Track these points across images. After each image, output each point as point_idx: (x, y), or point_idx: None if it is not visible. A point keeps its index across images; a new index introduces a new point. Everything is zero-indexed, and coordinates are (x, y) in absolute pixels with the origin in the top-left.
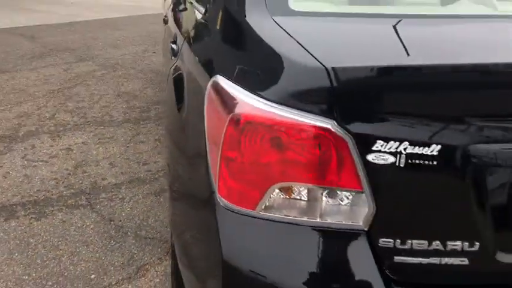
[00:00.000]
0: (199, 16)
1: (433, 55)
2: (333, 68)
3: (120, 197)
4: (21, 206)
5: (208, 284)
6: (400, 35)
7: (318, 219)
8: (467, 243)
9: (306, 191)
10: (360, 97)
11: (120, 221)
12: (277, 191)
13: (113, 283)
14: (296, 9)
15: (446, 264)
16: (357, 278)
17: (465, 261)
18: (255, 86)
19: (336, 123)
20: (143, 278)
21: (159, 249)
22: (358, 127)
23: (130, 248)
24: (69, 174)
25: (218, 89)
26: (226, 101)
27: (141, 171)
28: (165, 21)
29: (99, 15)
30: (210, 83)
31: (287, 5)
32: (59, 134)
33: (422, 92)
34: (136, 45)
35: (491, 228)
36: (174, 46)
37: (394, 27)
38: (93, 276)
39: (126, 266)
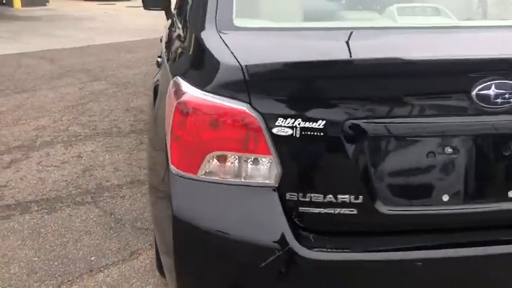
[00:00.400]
0: (176, 34)
1: (323, 54)
2: (246, 66)
3: (121, 195)
4: (34, 203)
5: (166, 235)
6: (307, 43)
7: (243, 180)
8: (353, 197)
9: (232, 158)
10: (265, 86)
11: (120, 214)
12: (212, 159)
13: (110, 264)
14: (238, 25)
15: (339, 214)
16: (272, 223)
17: (354, 211)
18: (197, 82)
19: (249, 106)
20: (135, 260)
21: (152, 238)
22: (265, 108)
23: (127, 236)
24: (78, 177)
25: (174, 86)
26: (177, 93)
27: (141, 174)
28: (160, 40)
29: (115, 38)
30: (171, 82)
31: (232, 23)
32: (71, 143)
33: (309, 81)
34: (147, 66)
35: (370, 184)
36: (159, 59)
37: (306, 38)
38: (93, 258)
39: (122, 250)
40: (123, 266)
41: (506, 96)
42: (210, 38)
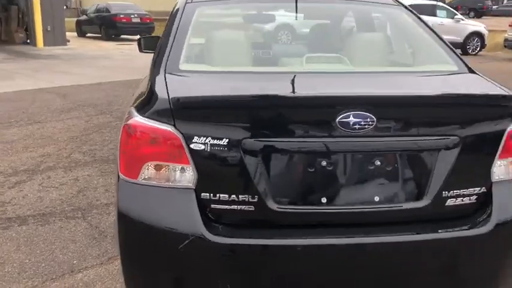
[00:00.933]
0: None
1: (231, 90)
2: (172, 98)
3: (107, 212)
4: (32, 217)
5: (115, 230)
6: (224, 82)
7: (171, 183)
8: (250, 197)
9: (163, 167)
10: (185, 113)
11: (104, 228)
12: (148, 167)
13: (89, 266)
14: (182, 69)
15: (240, 210)
16: (189, 216)
17: (251, 208)
18: (141, 110)
19: (174, 127)
20: (111, 264)
21: None
22: (185, 129)
23: (107, 245)
24: (73, 196)
25: (127, 114)
26: (126, 119)
27: None
28: None
29: (125, 76)
30: (127, 112)
31: (178, 67)
32: (71, 168)
33: (217, 110)
34: None
35: (263, 188)
36: None
37: (226, 78)
38: (75, 261)
39: (101, 256)
40: (100, 269)
41: (362, 123)
42: (157, 78)
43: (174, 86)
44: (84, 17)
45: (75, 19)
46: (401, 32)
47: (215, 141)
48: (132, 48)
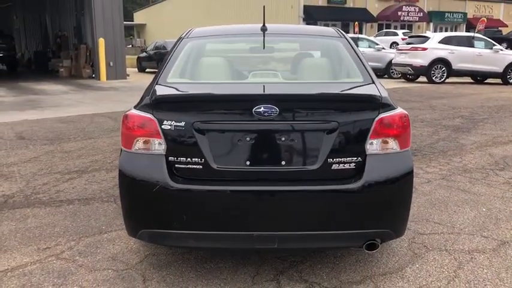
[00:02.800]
0: None
1: (191, 92)
2: (151, 97)
3: None
4: (77, 200)
5: (118, 182)
6: (189, 88)
7: (151, 151)
8: (199, 159)
9: (147, 141)
10: (160, 105)
11: None
12: (138, 141)
13: (113, 230)
14: (168, 81)
15: (193, 168)
16: (161, 172)
17: (200, 167)
18: (135, 106)
19: (152, 115)
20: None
21: None
22: (159, 116)
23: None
24: (109, 188)
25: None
26: (125, 112)
27: None
28: None
29: None
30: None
31: (166, 80)
32: (112, 170)
33: (179, 103)
34: None
35: (208, 154)
36: None
37: (192, 86)
38: (103, 227)
39: (122, 225)
40: (120, 232)
41: (269, 112)
42: (150, 87)
43: (158, 91)
44: (144, 54)
45: (136, 56)
46: (333, 56)
47: (177, 124)
48: None
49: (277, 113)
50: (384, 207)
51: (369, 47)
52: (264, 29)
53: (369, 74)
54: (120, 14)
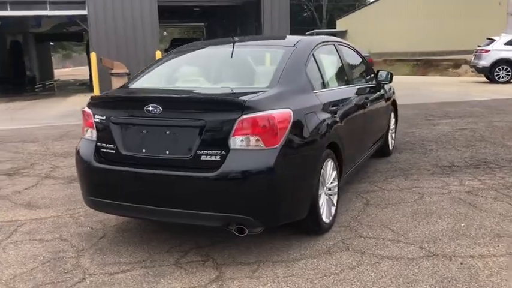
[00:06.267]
0: None
1: (125, 94)
2: (91, 97)
3: None
4: None
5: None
6: (125, 92)
7: (90, 137)
8: (113, 146)
9: (89, 129)
10: (92, 104)
11: None
12: (86, 130)
13: None
14: (130, 87)
15: (110, 152)
16: (91, 154)
17: (114, 152)
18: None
19: (90, 111)
20: None
21: None
22: (93, 111)
23: None
24: None
25: None
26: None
27: None
28: None
29: None
30: None
31: (128, 85)
32: None
33: (109, 103)
34: None
35: (119, 141)
36: None
37: (131, 90)
38: None
39: None
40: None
41: (155, 110)
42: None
43: (102, 93)
44: None
45: None
46: (262, 64)
47: (101, 118)
48: None
49: (160, 111)
50: (241, 196)
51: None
52: (234, 40)
53: (279, 81)
54: (286, 23)
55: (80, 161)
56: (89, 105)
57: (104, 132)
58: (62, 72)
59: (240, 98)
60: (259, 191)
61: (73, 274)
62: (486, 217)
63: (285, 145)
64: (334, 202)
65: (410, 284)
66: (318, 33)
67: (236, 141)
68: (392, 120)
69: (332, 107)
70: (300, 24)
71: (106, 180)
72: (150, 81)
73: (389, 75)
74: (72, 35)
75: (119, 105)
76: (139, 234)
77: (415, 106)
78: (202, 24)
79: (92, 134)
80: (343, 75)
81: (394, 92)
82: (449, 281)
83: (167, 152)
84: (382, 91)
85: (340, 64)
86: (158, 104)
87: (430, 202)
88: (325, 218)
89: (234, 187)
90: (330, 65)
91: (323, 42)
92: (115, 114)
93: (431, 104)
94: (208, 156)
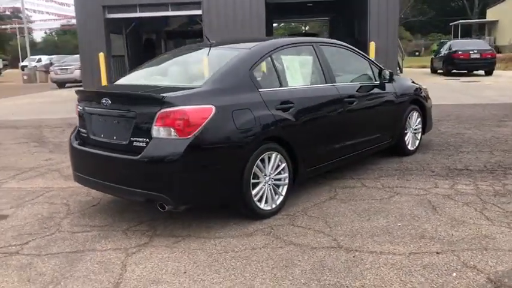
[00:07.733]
0: None
1: (108, 90)
2: (82, 89)
3: None
4: None
5: None
6: (122, 88)
7: (76, 123)
8: (85, 131)
9: (77, 117)
10: (81, 97)
11: None
12: (78, 118)
13: None
14: (115, 83)
15: (85, 136)
16: (74, 137)
17: (86, 135)
18: None
19: (79, 104)
20: None
21: None
22: (80, 104)
23: None
24: None
25: None
26: None
27: None
28: None
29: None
30: None
31: (114, 82)
32: None
33: (80, 95)
34: None
35: (91, 128)
36: None
37: (121, 87)
38: None
39: None
40: None
41: (107, 103)
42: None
43: (83, 89)
44: (438, 56)
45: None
46: (212, 65)
47: (79, 107)
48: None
49: (110, 104)
50: (156, 177)
51: None
52: (211, 43)
53: (212, 80)
54: (395, 17)
55: (69, 142)
56: (79, 100)
57: (81, 119)
58: None
59: (161, 94)
60: (169, 174)
61: (49, 229)
62: (433, 220)
63: (198, 136)
64: (282, 192)
65: (287, 267)
66: (462, 25)
67: (156, 131)
68: (417, 120)
69: (282, 104)
70: (448, 15)
71: (81, 159)
72: (128, 78)
73: (390, 75)
74: (194, 33)
75: (88, 98)
76: (123, 206)
77: (506, 106)
78: (327, 18)
79: (77, 120)
80: (319, 74)
81: (420, 91)
82: (323, 268)
83: (114, 138)
84: (387, 90)
85: (318, 64)
86: (108, 98)
87: (394, 202)
88: (263, 205)
89: (151, 169)
90: (297, 65)
91: (292, 44)
92: (87, 105)
93: None
94: (138, 143)
